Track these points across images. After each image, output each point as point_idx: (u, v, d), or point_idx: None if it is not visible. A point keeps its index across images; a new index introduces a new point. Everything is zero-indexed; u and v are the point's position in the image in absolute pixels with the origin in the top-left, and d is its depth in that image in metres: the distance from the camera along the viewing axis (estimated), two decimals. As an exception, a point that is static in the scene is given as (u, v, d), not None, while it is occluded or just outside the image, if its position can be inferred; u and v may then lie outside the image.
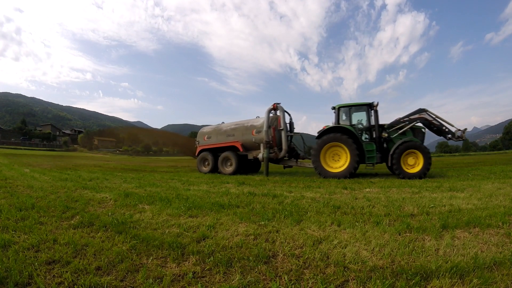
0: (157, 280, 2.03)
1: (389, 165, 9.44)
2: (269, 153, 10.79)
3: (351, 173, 9.14)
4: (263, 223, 3.44)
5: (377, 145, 9.49)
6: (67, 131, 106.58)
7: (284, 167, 12.22)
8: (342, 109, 10.22)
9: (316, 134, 10.09)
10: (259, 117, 12.06)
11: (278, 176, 10.36)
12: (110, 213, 3.94)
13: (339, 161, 9.54)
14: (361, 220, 3.53)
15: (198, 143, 13.16)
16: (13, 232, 3.02)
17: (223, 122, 13.16)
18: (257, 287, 1.96)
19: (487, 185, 6.52)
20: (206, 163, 12.66)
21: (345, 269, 2.19)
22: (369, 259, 2.38)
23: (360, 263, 2.29)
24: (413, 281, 1.96)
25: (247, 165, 12.55)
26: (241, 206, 4.50)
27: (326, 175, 9.38)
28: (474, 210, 3.94)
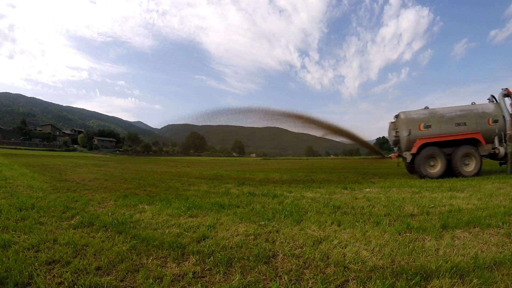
0: (157, 280, 2.03)
1: None
2: None
3: None
4: (263, 223, 3.44)
5: None
6: (67, 131, 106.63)
7: (500, 164, 10.17)
8: None
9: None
10: (474, 102, 9.90)
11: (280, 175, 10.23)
12: (110, 213, 3.94)
13: None
14: (361, 220, 3.52)
15: (409, 133, 9.51)
16: (13, 232, 3.02)
17: (426, 107, 10.14)
18: (257, 287, 1.96)
19: (487, 185, 6.52)
20: (432, 163, 9.27)
21: (345, 269, 2.19)
22: (369, 259, 2.37)
23: (360, 263, 2.29)
24: (413, 281, 1.96)
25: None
26: (241, 206, 4.50)
27: None
28: (474, 210, 3.94)
